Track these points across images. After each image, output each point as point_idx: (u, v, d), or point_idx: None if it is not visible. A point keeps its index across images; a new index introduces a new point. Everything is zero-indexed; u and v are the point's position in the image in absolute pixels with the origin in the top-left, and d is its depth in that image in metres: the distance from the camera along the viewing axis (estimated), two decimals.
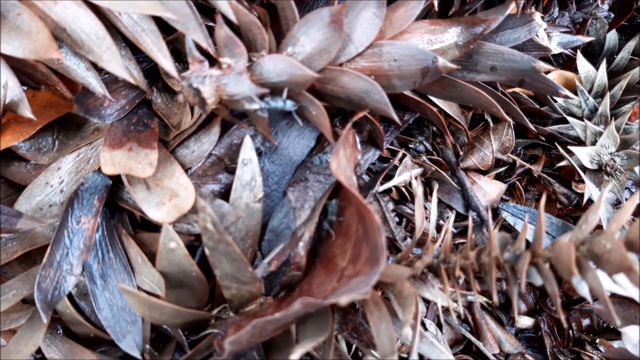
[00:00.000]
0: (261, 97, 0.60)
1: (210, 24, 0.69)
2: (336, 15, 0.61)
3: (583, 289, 0.58)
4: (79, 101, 0.68)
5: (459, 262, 0.62)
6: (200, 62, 0.58)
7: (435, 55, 0.64)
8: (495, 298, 0.61)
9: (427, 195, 0.84)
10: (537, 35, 0.77)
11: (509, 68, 0.73)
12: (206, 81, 0.58)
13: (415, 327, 0.59)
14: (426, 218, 0.81)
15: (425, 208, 0.86)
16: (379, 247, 0.53)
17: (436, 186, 0.84)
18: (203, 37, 0.63)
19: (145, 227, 0.73)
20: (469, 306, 0.88)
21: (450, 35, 0.69)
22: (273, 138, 0.77)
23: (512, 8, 0.72)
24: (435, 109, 0.76)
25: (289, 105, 0.62)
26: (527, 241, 0.85)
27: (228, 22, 0.66)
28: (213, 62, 0.65)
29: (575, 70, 0.97)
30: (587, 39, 0.85)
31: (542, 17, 0.76)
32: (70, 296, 0.69)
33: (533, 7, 0.80)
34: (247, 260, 0.73)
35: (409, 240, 0.78)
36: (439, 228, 0.83)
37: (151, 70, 0.73)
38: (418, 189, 0.60)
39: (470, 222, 0.61)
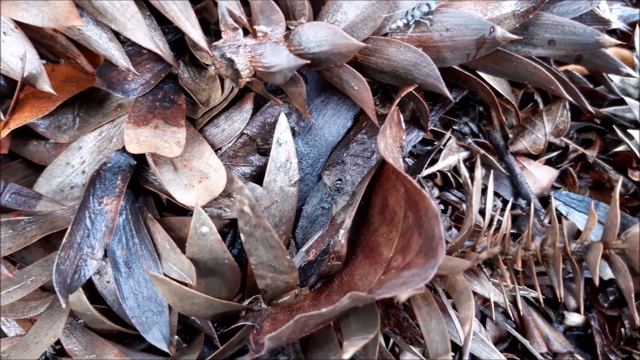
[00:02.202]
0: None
1: None
2: None
3: None
4: (101, 74, 0.62)
5: (519, 253, 0.56)
6: (234, 29, 0.52)
7: (492, 24, 0.57)
8: (562, 294, 0.55)
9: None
10: (597, 7, 0.70)
11: (569, 42, 0.66)
12: (240, 51, 0.52)
13: (470, 324, 0.53)
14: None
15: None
16: (436, 237, 0.47)
17: (489, 174, 0.77)
18: (236, 4, 0.57)
19: (172, 211, 0.68)
20: (514, 301, 0.82)
21: (508, 4, 0.62)
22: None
23: None
24: (487, 86, 0.69)
25: (433, 4, 0.57)
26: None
27: None
28: (246, 34, 0.59)
29: (631, 47, 0.89)
30: None
31: None
32: (92, 286, 0.64)
33: None
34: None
35: (453, 230, 0.72)
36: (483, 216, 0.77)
37: (178, 43, 0.68)
38: (477, 171, 0.54)
39: (532, 209, 0.55)
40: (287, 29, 0.57)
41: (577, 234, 0.60)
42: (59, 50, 0.65)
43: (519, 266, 0.55)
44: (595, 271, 0.51)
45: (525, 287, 0.66)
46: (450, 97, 0.60)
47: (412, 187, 0.51)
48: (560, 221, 0.80)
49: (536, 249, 0.55)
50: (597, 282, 0.51)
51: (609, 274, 0.54)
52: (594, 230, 0.75)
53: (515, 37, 0.57)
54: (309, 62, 0.52)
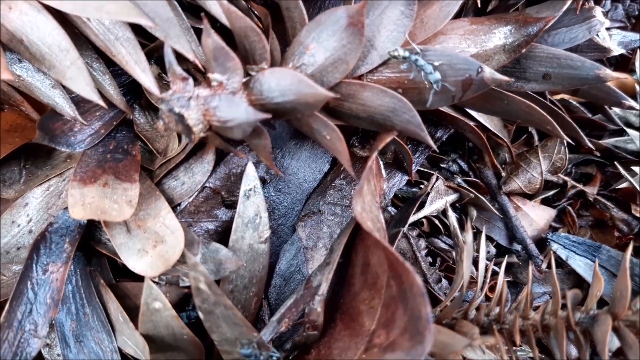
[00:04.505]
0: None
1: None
2: (355, 16, 0.49)
3: None
4: (43, 126, 0.56)
5: (517, 322, 0.49)
6: (184, 79, 0.46)
7: (480, 64, 0.51)
8: None
9: (462, 224, 0.71)
10: (597, 35, 0.64)
11: (566, 76, 0.59)
12: (191, 104, 0.45)
13: None
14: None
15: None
16: (423, 320, 0.40)
17: (482, 216, 0.71)
18: (188, 46, 0.51)
19: (129, 274, 0.61)
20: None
21: (497, 37, 0.56)
22: (280, 162, 0.64)
23: (569, 3, 0.59)
24: (474, 125, 0.63)
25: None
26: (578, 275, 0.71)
27: (222, 27, 0.54)
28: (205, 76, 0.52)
29: (630, 71, 0.83)
30: None
31: (604, 13, 0.63)
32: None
33: (591, 1, 0.66)
34: (253, 311, 0.61)
35: (443, 282, 0.65)
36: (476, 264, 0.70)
37: (132, 85, 0.61)
38: (467, 235, 0.47)
39: (530, 274, 0.48)
40: (247, 74, 0.50)
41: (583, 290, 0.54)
42: (1, 97, 0.59)
43: (516, 339, 0.48)
44: (604, 350, 0.44)
45: (523, 348, 0.60)
46: (434, 145, 0.54)
47: (394, 259, 0.44)
48: (561, 266, 0.73)
49: (535, 320, 0.48)
50: (606, 358, 0.45)
51: (616, 343, 0.48)
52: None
53: (505, 78, 0.51)
54: (269, 116, 0.46)
